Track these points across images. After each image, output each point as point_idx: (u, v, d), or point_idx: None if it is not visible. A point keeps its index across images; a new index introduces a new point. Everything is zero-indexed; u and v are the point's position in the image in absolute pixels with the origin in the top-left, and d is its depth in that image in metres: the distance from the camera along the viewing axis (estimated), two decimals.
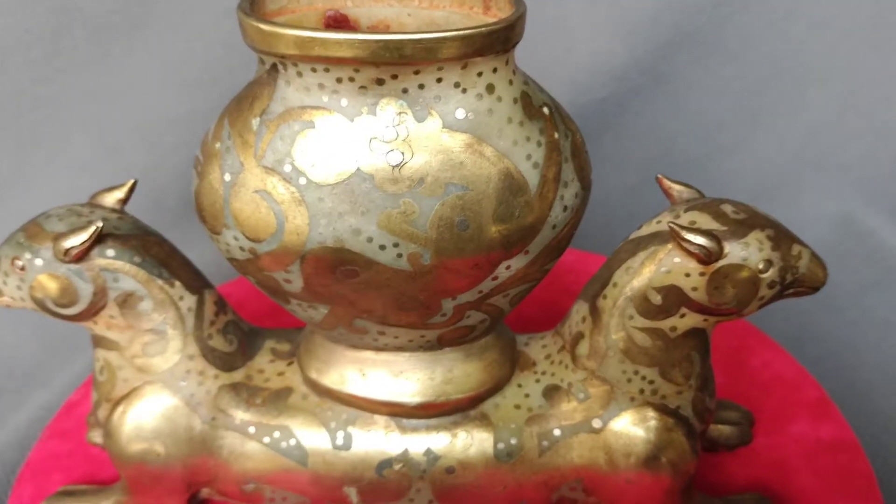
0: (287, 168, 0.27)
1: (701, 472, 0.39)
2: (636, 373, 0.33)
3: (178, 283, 0.34)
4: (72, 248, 0.31)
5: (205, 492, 0.37)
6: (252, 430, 0.35)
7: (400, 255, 0.27)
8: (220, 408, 0.35)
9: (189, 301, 0.34)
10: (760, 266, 0.30)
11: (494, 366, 0.35)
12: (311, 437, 0.35)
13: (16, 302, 0.33)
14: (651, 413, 0.33)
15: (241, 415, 0.35)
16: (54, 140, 0.61)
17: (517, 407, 0.35)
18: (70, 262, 0.32)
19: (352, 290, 0.29)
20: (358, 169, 0.26)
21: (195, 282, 0.35)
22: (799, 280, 0.31)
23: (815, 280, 0.31)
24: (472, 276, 0.29)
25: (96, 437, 0.41)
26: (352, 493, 0.35)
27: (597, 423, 0.34)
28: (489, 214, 0.27)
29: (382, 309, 0.30)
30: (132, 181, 0.35)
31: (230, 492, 0.36)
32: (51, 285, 0.32)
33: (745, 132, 0.67)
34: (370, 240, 0.27)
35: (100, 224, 0.31)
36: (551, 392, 0.35)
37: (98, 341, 0.35)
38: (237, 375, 0.36)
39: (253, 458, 0.35)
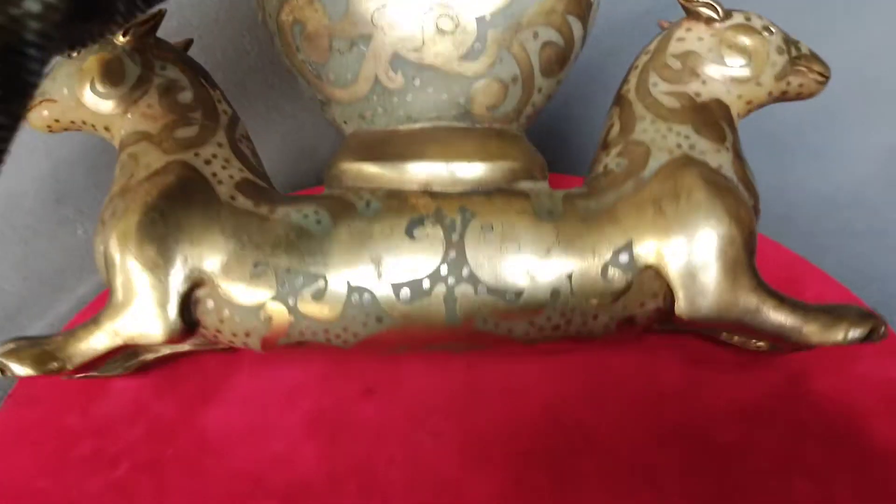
0: None
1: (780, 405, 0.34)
2: (670, 129, 0.33)
3: (218, 92, 0.36)
4: (132, 27, 0.33)
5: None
6: (277, 212, 0.33)
7: None
8: (241, 192, 0.33)
9: (226, 107, 0.36)
10: (763, 29, 0.34)
11: (527, 151, 0.35)
12: (339, 208, 0.33)
13: (57, 107, 0.34)
14: (693, 160, 0.32)
15: (263, 205, 0.33)
16: None
17: (554, 190, 0.34)
18: (126, 43, 0.34)
19: None
20: None
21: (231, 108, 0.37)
22: (805, 58, 0.35)
23: (819, 64, 0.35)
24: None
25: None
26: (378, 259, 0.32)
27: (640, 178, 0.33)
28: None
29: (420, 34, 0.31)
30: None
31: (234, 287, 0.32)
32: (103, 63, 0.33)
33: None
34: None
35: (164, 9, 0.34)
36: (587, 179, 0.35)
37: (125, 142, 0.34)
38: (261, 182, 0.35)
39: (271, 231, 0.32)
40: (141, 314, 0.31)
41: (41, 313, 0.53)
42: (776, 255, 0.45)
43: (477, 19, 0.31)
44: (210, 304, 0.32)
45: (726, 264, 0.31)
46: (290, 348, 0.34)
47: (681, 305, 0.31)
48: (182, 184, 0.32)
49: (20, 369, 0.31)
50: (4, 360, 0.31)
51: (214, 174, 0.33)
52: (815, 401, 0.36)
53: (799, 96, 0.36)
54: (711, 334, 0.38)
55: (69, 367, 0.32)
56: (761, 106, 0.36)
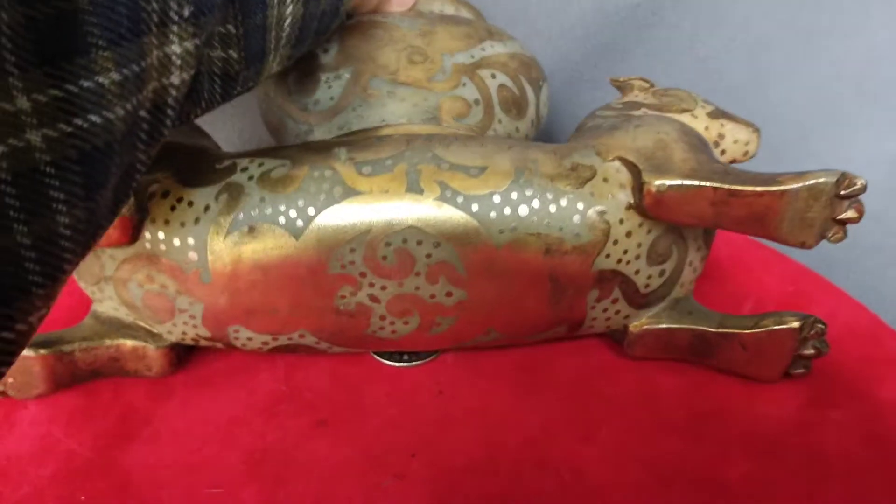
0: None
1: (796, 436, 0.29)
2: None
3: None
4: None
5: None
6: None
7: None
8: None
9: None
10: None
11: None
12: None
13: None
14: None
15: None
16: None
17: None
18: None
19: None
20: None
21: None
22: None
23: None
24: None
25: None
26: (341, 152, 0.31)
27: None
28: None
29: (396, 64, 0.36)
30: None
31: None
32: None
33: (795, 54, 0.57)
34: None
35: None
36: None
37: None
38: None
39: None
40: None
41: None
42: (783, 266, 0.41)
43: (442, 55, 0.37)
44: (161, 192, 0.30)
45: (688, 143, 0.31)
46: (238, 244, 0.29)
47: (648, 174, 0.29)
48: None
49: None
50: None
51: None
52: (836, 430, 0.31)
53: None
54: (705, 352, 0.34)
55: None
56: None
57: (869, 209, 0.59)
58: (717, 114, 0.35)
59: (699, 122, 0.34)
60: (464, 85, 0.37)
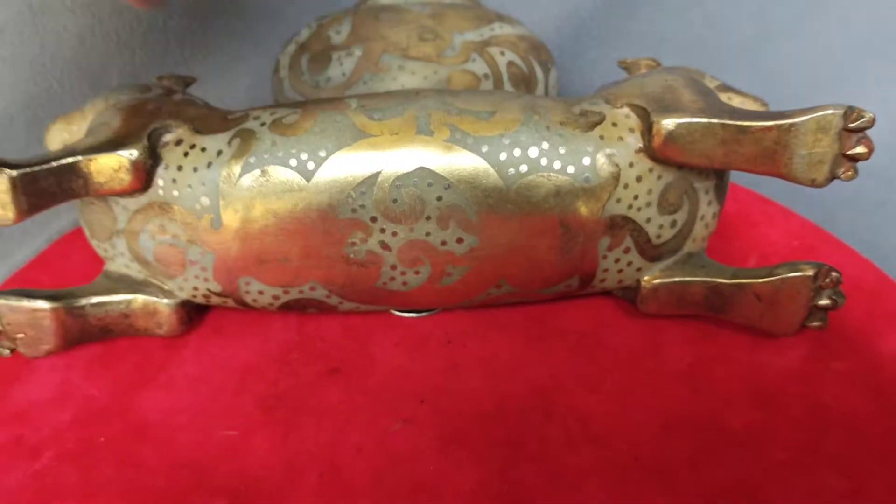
0: None
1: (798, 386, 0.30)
2: None
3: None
4: None
5: None
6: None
7: None
8: None
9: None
10: None
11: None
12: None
13: None
14: None
15: None
16: None
17: None
18: None
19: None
20: None
21: None
22: None
23: None
24: None
25: None
26: (352, 101, 0.32)
27: None
28: None
29: (406, 41, 0.38)
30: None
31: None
32: None
33: (803, 10, 0.57)
34: None
35: None
36: None
37: None
38: None
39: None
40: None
41: None
42: (788, 221, 0.41)
43: (452, 33, 0.39)
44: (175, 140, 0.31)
45: (695, 88, 0.31)
46: (250, 188, 0.30)
47: (656, 115, 0.30)
48: None
49: None
50: None
51: None
52: (837, 382, 0.32)
53: None
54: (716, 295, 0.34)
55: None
56: None
57: (874, 165, 0.59)
58: (725, 88, 0.35)
59: None
60: (473, 60, 0.38)
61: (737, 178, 0.47)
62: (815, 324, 0.33)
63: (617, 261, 0.33)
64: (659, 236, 0.32)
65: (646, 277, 0.34)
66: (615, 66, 0.45)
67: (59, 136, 0.36)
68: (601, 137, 0.30)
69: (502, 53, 0.39)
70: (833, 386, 0.32)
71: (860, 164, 0.60)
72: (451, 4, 0.42)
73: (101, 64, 0.51)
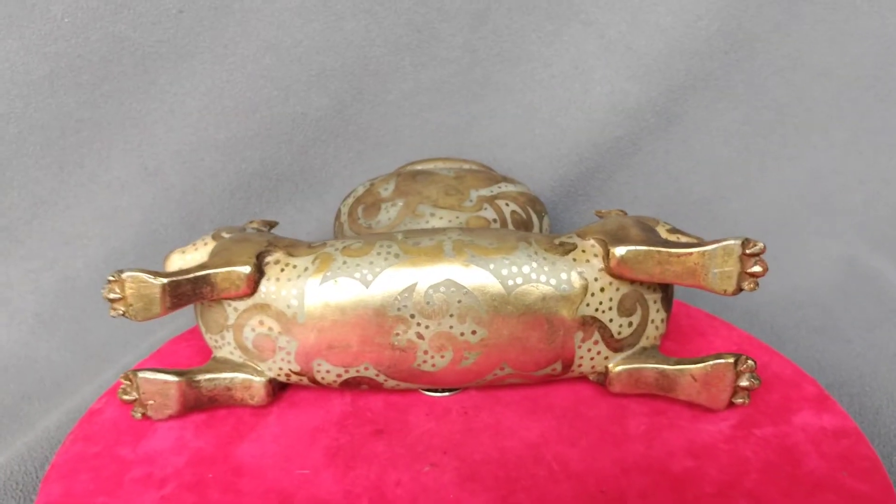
0: None
1: (727, 444, 0.40)
2: None
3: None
4: None
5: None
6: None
7: None
8: None
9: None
10: None
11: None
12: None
13: None
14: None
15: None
16: (96, 161, 0.64)
17: None
18: None
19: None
20: None
21: None
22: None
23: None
24: None
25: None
26: (398, 234, 0.45)
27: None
28: None
29: (436, 196, 0.53)
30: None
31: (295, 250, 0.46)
32: None
33: (752, 174, 0.70)
34: None
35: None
36: None
37: None
38: None
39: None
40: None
41: (87, 381, 0.60)
42: (732, 333, 0.53)
43: (470, 190, 0.54)
44: (275, 261, 0.44)
45: (641, 227, 0.44)
46: (326, 292, 0.43)
47: (612, 244, 0.42)
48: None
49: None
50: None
51: None
52: (756, 441, 0.43)
53: None
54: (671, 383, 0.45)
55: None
56: None
57: (820, 300, 0.70)
58: (674, 230, 0.48)
59: (661, 233, 0.47)
60: (485, 209, 0.52)
61: (700, 302, 0.59)
62: (739, 400, 0.44)
63: (589, 350, 0.44)
64: (619, 332, 0.44)
65: (611, 364, 0.45)
66: (594, 217, 0.59)
67: (176, 262, 0.50)
68: (574, 259, 0.43)
69: (507, 205, 0.53)
70: (753, 444, 0.42)
71: (805, 296, 0.70)
72: (469, 170, 0.56)
73: (197, 214, 0.65)
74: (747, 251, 0.40)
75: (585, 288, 0.43)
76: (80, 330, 0.62)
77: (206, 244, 0.49)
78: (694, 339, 0.52)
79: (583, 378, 0.47)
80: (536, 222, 0.54)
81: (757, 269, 0.41)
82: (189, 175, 0.64)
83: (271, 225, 0.53)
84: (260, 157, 0.65)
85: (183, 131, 0.63)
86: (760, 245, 0.40)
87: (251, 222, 0.53)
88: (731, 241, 0.40)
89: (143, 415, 0.45)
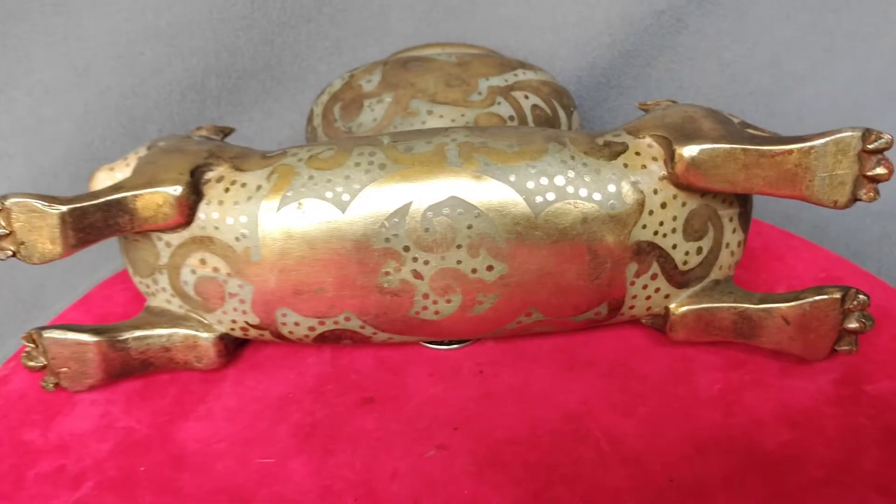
0: None
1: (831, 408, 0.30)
2: None
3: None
4: None
5: None
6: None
7: None
8: None
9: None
10: None
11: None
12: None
13: None
14: None
15: None
16: (13, 61, 0.52)
17: None
18: None
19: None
20: None
21: None
22: None
23: None
24: None
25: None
26: (384, 138, 0.33)
27: None
28: None
29: (434, 87, 0.40)
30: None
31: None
32: None
33: (818, 57, 0.58)
34: None
35: None
36: None
37: None
38: None
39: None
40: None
41: (16, 330, 0.50)
42: (815, 254, 0.42)
43: (478, 79, 0.41)
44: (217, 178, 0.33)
45: (714, 117, 0.32)
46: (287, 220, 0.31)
47: (679, 143, 0.31)
48: None
49: None
50: None
51: None
52: (870, 402, 0.32)
53: None
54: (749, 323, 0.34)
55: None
56: None
57: None
58: (745, 125, 0.36)
59: None
60: (499, 103, 0.40)
61: (762, 215, 0.48)
62: (845, 348, 0.33)
63: (644, 287, 0.33)
64: (685, 262, 0.33)
65: (674, 304, 0.34)
66: (634, 112, 0.46)
67: (103, 183, 0.38)
68: (625, 166, 0.32)
69: (526, 97, 0.41)
70: (867, 407, 0.32)
71: (889, 204, 0.60)
72: (476, 55, 0.44)
73: (141, 122, 0.54)
74: (868, 146, 0.29)
75: (641, 204, 0.31)
76: (3, 269, 0.51)
77: (140, 155, 0.37)
78: (769, 265, 0.41)
79: (634, 323, 0.36)
80: (564, 120, 0.42)
81: (880, 170, 0.30)
82: (127, 73, 0.53)
83: (225, 132, 0.41)
84: (214, 49, 0.53)
85: (116, 17, 0.52)
86: (887, 137, 0.29)
87: (198, 129, 0.41)
88: (848, 133, 0.29)
89: (57, 385, 0.34)
